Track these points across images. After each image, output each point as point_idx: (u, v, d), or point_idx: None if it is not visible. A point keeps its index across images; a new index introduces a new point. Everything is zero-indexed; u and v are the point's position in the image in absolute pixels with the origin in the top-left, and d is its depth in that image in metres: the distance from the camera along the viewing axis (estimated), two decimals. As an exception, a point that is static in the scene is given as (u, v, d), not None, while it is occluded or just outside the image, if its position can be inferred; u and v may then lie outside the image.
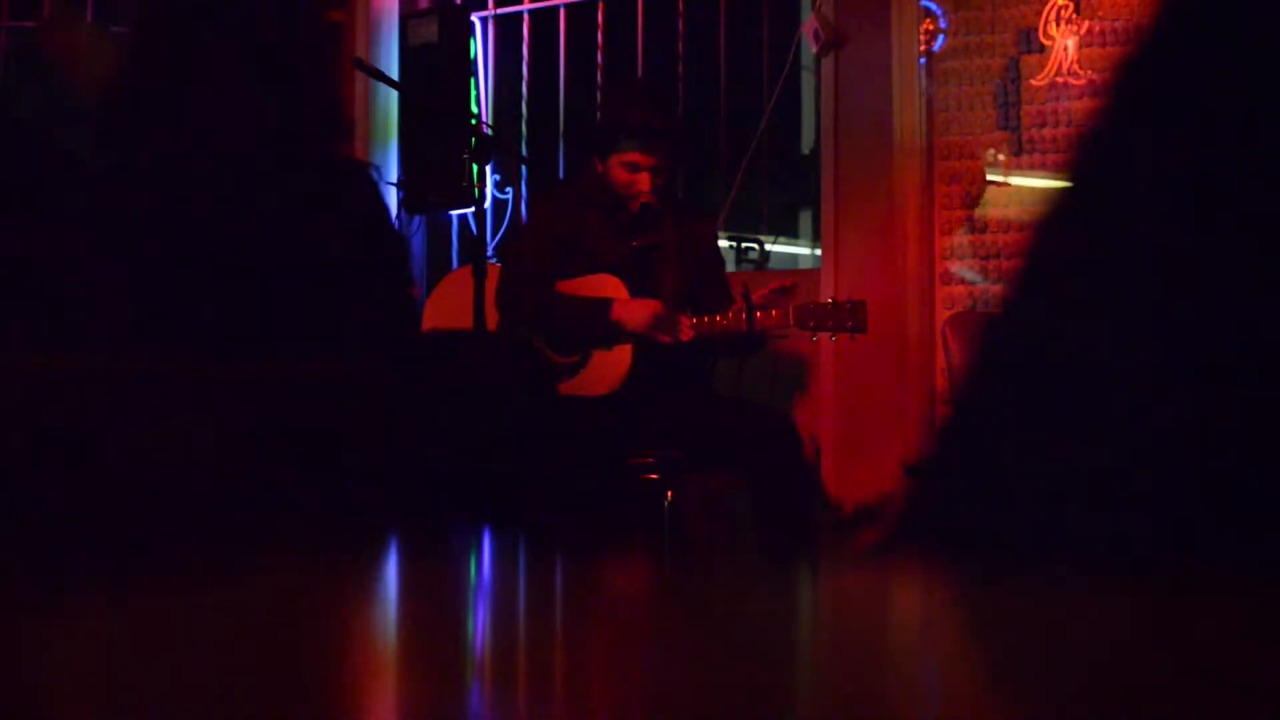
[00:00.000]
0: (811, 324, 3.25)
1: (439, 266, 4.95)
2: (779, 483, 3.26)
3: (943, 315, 4.10)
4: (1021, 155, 4.10)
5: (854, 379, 4.22)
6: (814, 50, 4.35)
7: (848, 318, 3.24)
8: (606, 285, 3.37)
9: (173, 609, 0.78)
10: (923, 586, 0.86)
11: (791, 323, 3.25)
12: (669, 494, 3.42)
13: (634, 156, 3.36)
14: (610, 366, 3.33)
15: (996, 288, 4.11)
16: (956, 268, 4.18)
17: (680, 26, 4.73)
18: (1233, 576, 0.72)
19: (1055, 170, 4.06)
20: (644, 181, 3.36)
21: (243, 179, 1.66)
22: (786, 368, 4.33)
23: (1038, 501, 0.80)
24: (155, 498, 1.45)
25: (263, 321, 1.61)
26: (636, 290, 3.35)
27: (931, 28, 4.21)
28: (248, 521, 1.45)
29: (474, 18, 4.94)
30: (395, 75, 4.71)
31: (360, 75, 4.74)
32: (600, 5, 4.84)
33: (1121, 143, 0.82)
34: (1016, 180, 4.13)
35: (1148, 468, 0.76)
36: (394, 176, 4.93)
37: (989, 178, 4.15)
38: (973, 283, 4.15)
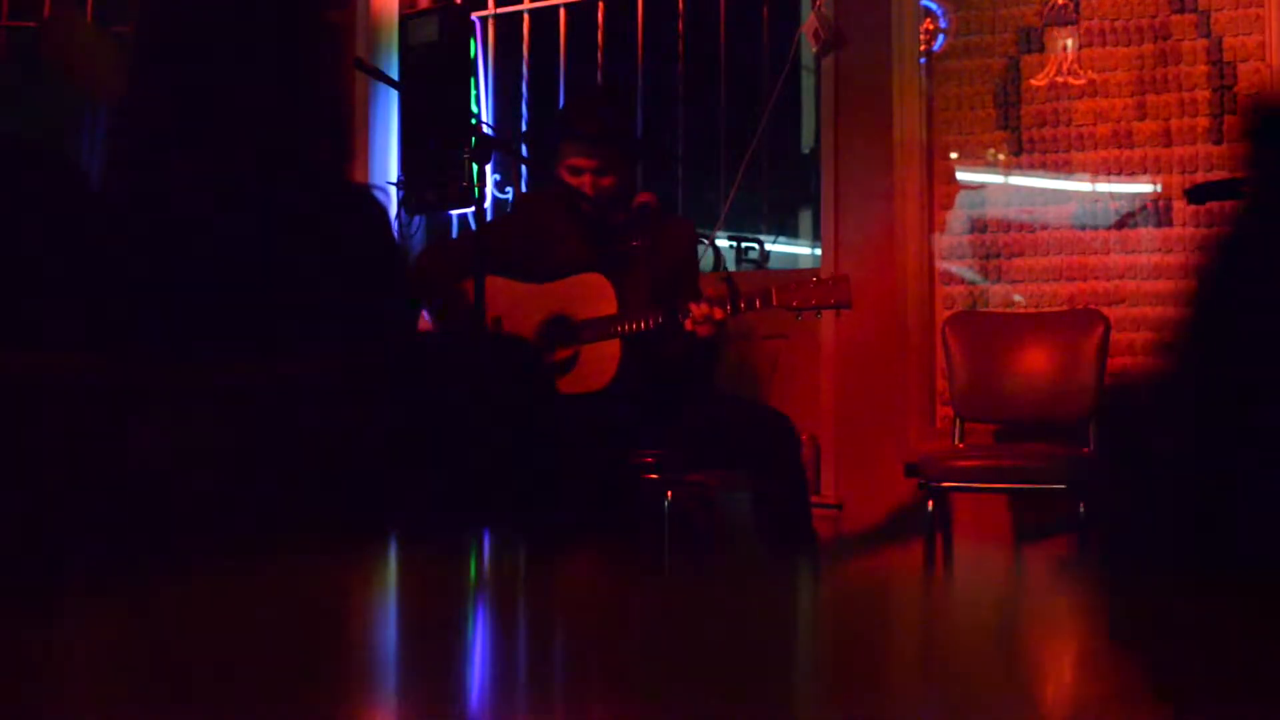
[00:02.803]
0: (795, 303, 3.21)
1: (439, 266, 4.95)
2: (775, 479, 3.27)
3: (943, 315, 4.10)
4: (1021, 155, 4.10)
5: (853, 379, 4.22)
6: (814, 50, 4.35)
7: (831, 293, 3.19)
8: (590, 282, 3.40)
9: (172, 610, 0.78)
10: (926, 583, 0.86)
11: (775, 303, 3.22)
12: (669, 493, 3.42)
13: (574, 160, 3.44)
14: (601, 362, 3.35)
15: (997, 287, 4.11)
16: (956, 268, 4.18)
17: (680, 27, 4.73)
18: None
19: (1055, 170, 4.06)
20: (586, 185, 3.42)
21: (249, 185, 1.66)
22: (786, 367, 4.33)
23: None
24: (157, 498, 1.45)
25: (263, 325, 1.62)
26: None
27: (931, 28, 4.21)
28: (249, 522, 1.45)
29: (474, 17, 4.94)
30: (395, 75, 4.71)
31: (360, 75, 4.74)
32: (600, 5, 4.84)
33: None
34: (1016, 180, 4.13)
35: None
36: (394, 176, 4.93)
37: (958, 175, 4.15)
38: (972, 283, 4.15)
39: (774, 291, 3.21)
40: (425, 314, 3.51)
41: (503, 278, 3.46)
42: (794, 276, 3.43)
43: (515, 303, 3.45)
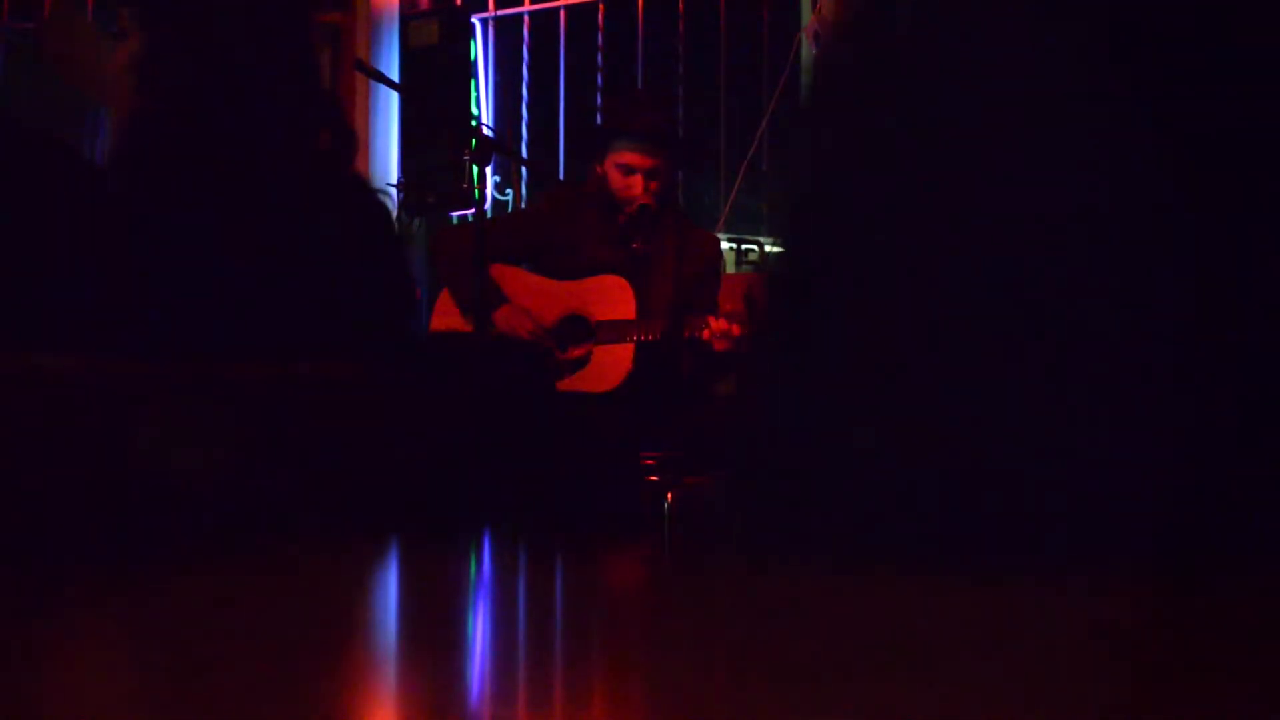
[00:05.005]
0: None
1: (439, 267, 4.95)
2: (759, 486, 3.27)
3: (943, 316, 4.10)
4: (1021, 156, 4.10)
5: (854, 380, 4.21)
6: (814, 51, 4.35)
7: None
8: (611, 285, 3.39)
9: (171, 609, 0.78)
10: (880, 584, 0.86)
11: None
12: (669, 495, 3.42)
13: (629, 158, 3.37)
14: (612, 365, 3.35)
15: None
16: (956, 269, 4.18)
17: (680, 27, 4.73)
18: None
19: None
20: (637, 185, 3.37)
21: (254, 183, 1.66)
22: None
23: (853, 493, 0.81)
24: (158, 497, 1.45)
25: (270, 324, 1.62)
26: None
27: (931, 29, 4.21)
28: (250, 521, 1.45)
29: (474, 19, 4.94)
30: (396, 77, 4.71)
31: (360, 76, 4.74)
32: (600, 6, 4.84)
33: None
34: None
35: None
36: (394, 178, 4.93)
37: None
38: (973, 284, 4.15)
39: None
40: (446, 292, 3.49)
41: (525, 270, 3.46)
42: None
43: (535, 296, 3.45)
